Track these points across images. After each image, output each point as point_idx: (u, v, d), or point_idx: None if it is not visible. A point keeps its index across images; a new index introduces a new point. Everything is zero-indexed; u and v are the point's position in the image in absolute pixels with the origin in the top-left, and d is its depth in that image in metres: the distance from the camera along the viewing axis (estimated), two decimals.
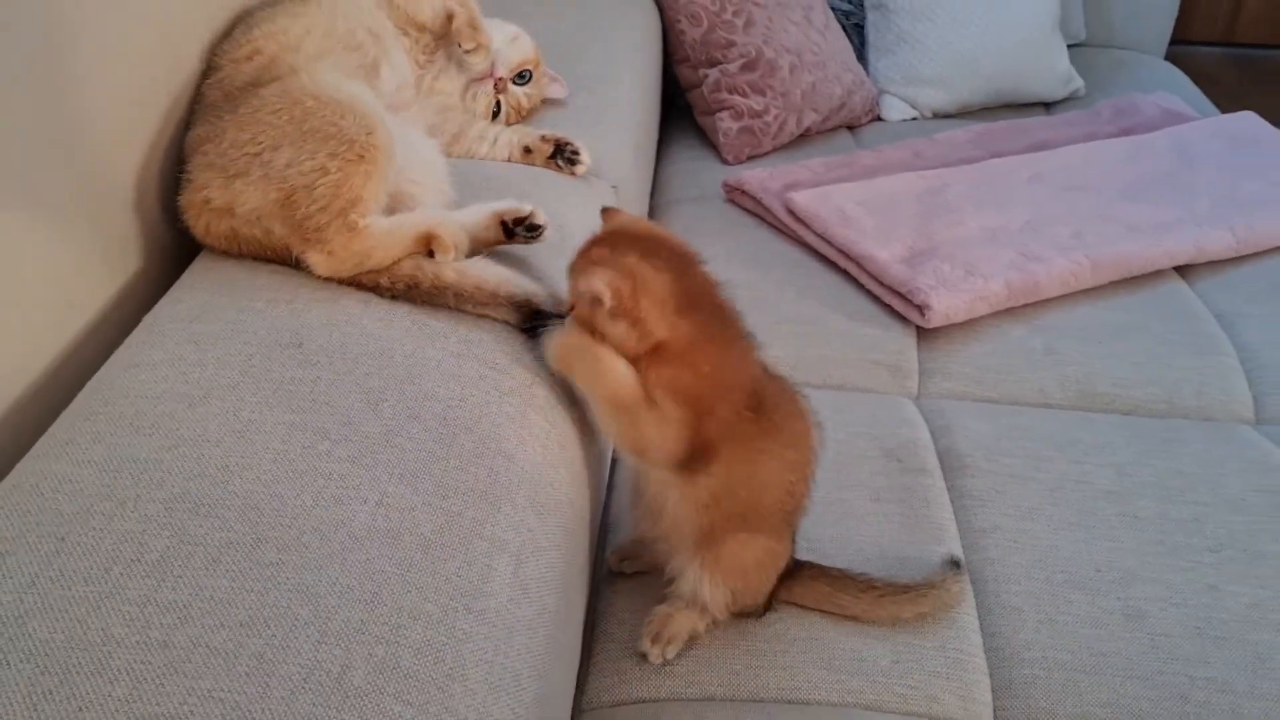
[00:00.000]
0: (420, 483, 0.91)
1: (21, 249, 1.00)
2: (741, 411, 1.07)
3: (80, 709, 0.69)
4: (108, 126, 1.12)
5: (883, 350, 1.76)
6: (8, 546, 0.80)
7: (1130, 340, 1.77)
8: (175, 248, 1.25)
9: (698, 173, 2.33)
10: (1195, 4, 4.08)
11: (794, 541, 1.21)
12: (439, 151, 1.34)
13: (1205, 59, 4.13)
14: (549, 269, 1.25)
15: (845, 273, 1.91)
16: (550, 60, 1.67)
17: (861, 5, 2.73)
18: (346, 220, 1.11)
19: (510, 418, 1.03)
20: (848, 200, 2.01)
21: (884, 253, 1.86)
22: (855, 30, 2.73)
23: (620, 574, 1.33)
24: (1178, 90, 2.76)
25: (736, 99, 2.35)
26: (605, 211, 1.11)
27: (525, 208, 1.23)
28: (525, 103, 1.59)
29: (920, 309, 1.75)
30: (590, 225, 1.39)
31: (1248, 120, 2.41)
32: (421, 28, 1.46)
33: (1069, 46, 2.88)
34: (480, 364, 1.06)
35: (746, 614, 1.23)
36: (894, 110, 2.65)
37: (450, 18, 1.45)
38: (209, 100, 1.22)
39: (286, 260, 1.16)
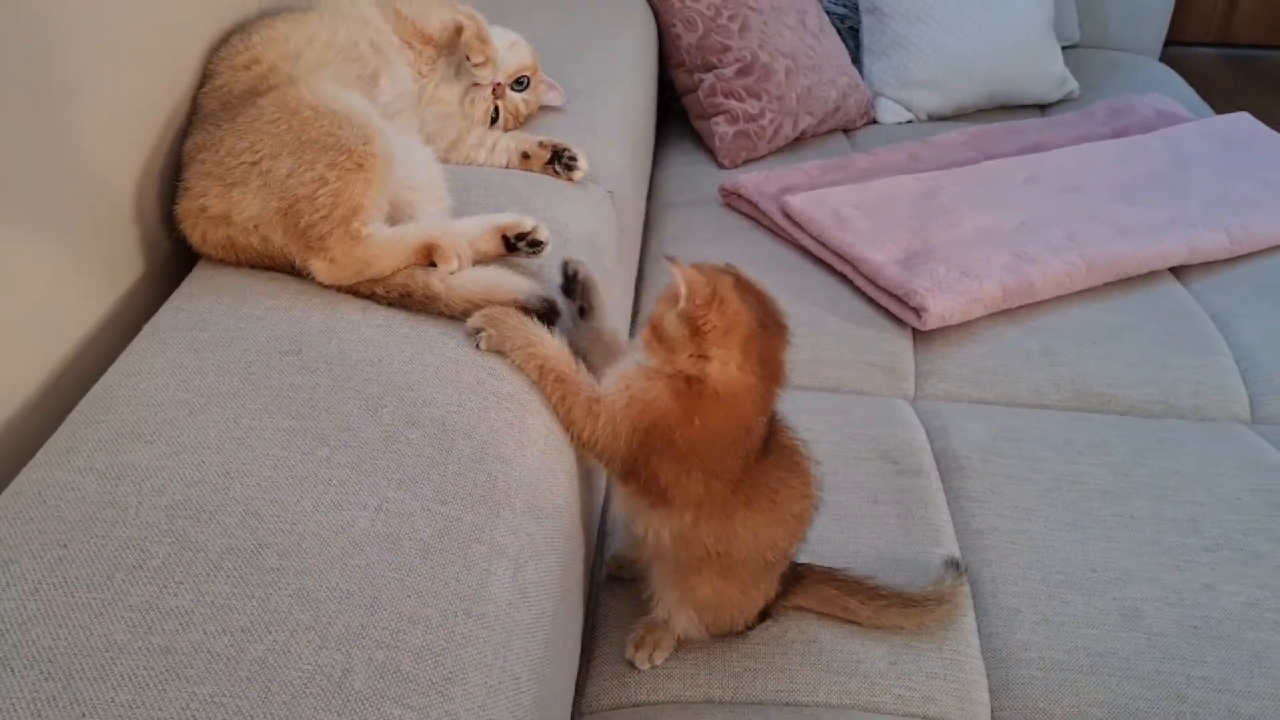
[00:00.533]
0: (419, 488, 0.91)
1: (22, 258, 1.00)
2: (713, 484, 1.06)
3: (84, 715, 0.69)
4: (106, 135, 1.13)
5: (878, 352, 1.76)
6: (11, 554, 0.80)
7: (1126, 341, 1.78)
8: (175, 256, 1.25)
9: (694, 177, 2.34)
10: (1190, 5, 4.09)
11: (776, 582, 1.21)
12: (436, 159, 1.35)
13: (1200, 59, 4.14)
14: (538, 265, 1.26)
15: (841, 275, 1.92)
16: (547, 66, 1.68)
17: (856, 9, 2.74)
18: (349, 229, 1.11)
19: (508, 423, 1.03)
20: (843, 203, 2.02)
21: (879, 255, 1.86)
22: (850, 34, 2.74)
23: (618, 579, 1.33)
24: (1172, 91, 2.78)
25: (732, 103, 2.36)
26: (672, 260, 1.08)
27: (528, 223, 1.23)
28: (523, 109, 1.60)
29: (916, 311, 1.75)
30: (587, 230, 1.41)
31: (1242, 121, 2.42)
32: (428, 40, 1.47)
33: (1063, 48, 2.89)
34: (478, 370, 1.07)
35: (725, 635, 1.24)
36: (889, 113, 2.66)
37: (458, 31, 1.47)
38: (206, 109, 1.22)
39: (282, 268, 1.17)
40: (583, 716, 1.21)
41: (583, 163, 1.51)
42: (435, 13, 1.47)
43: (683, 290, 1.00)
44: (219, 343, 1.04)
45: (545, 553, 0.96)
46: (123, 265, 1.18)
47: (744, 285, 1.06)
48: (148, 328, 1.09)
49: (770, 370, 1.06)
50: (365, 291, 1.15)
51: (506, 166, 1.51)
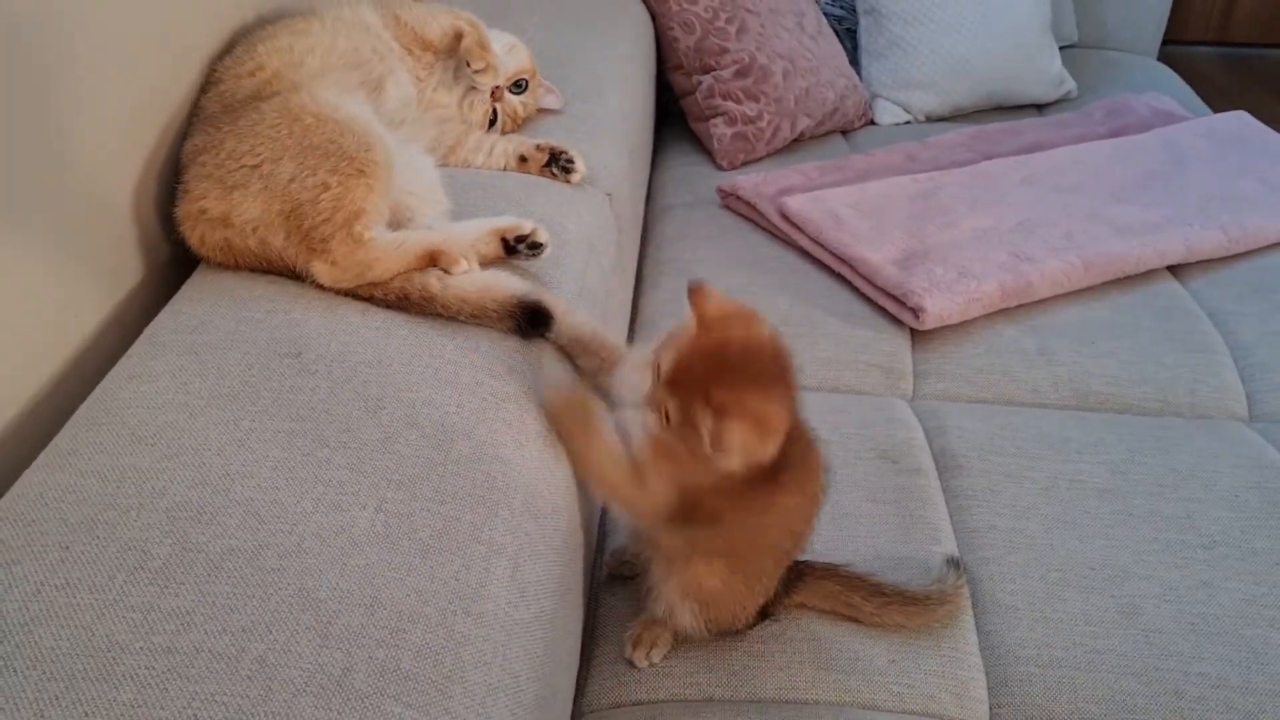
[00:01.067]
0: (418, 488, 0.92)
1: (22, 262, 1.01)
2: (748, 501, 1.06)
3: (86, 714, 0.70)
4: (106, 140, 1.14)
5: (877, 352, 1.77)
6: (14, 556, 0.81)
7: (1123, 339, 1.79)
8: (174, 260, 1.26)
9: (692, 178, 2.35)
10: (1188, 4, 4.10)
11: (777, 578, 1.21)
12: (434, 164, 1.36)
13: (1198, 59, 4.14)
14: (538, 267, 1.27)
15: (839, 276, 1.93)
16: (544, 69, 1.68)
17: (854, 10, 2.75)
18: (351, 232, 1.13)
19: (507, 423, 1.04)
20: (841, 204, 2.02)
21: (877, 255, 1.87)
22: (848, 35, 2.75)
23: (618, 577, 1.34)
24: (1170, 91, 2.78)
25: (730, 105, 2.37)
26: (695, 292, 1.04)
27: (526, 225, 1.24)
28: (521, 111, 1.61)
29: (914, 311, 1.76)
30: (585, 232, 1.42)
31: (1239, 119, 2.43)
32: (428, 47, 1.48)
33: (1061, 48, 2.90)
34: (477, 370, 1.08)
35: (724, 634, 1.23)
36: (887, 114, 2.67)
37: (459, 37, 1.47)
38: (208, 112, 1.23)
39: (280, 271, 1.18)
40: (583, 715, 1.22)
41: (580, 165, 1.52)
42: (435, 19, 1.48)
43: (735, 455, 0.96)
44: (219, 346, 1.05)
45: (544, 552, 0.97)
46: (122, 269, 1.19)
47: (765, 378, 1.00)
48: (148, 331, 1.09)
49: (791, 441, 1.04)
50: (364, 294, 1.15)
51: (504, 169, 1.51)
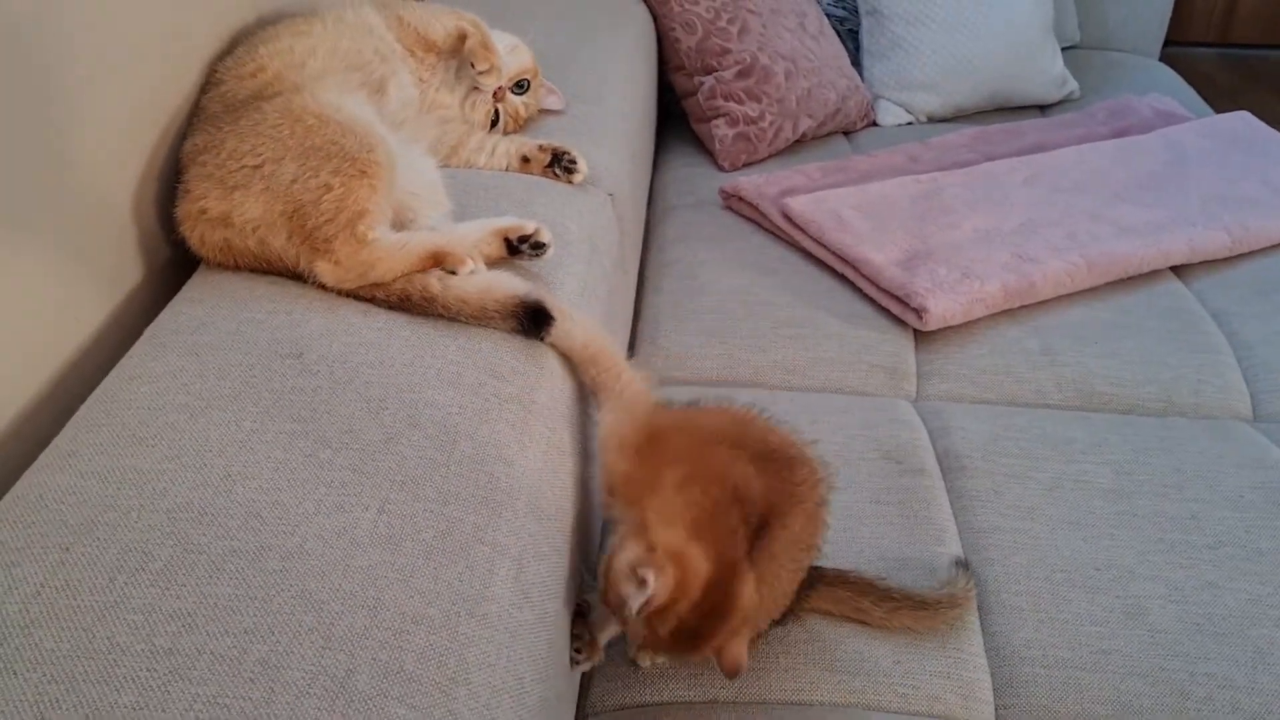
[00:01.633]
0: (421, 489, 0.91)
1: (22, 262, 1.01)
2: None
3: (87, 717, 0.69)
4: (106, 141, 1.13)
5: (880, 353, 1.76)
6: (14, 557, 0.81)
7: (1127, 340, 1.78)
8: (174, 261, 1.26)
9: (694, 180, 2.34)
10: (1190, 5, 4.09)
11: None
12: (436, 165, 1.35)
13: (1200, 59, 4.14)
14: (540, 267, 1.26)
15: (841, 277, 1.92)
16: (546, 70, 1.68)
17: (856, 11, 2.75)
18: (354, 232, 1.12)
19: (510, 424, 1.03)
20: (843, 204, 2.02)
21: (880, 256, 1.86)
22: (850, 36, 2.75)
23: None
24: (1172, 91, 2.78)
25: (732, 106, 2.36)
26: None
27: (529, 225, 1.23)
28: (523, 111, 1.60)
29: (917, 312, 1.75)
30: (587, 232, 1.41)
31: (1242, 120, 2.42)
32: (431, 48, 1.47)
33: (1063, 49, 2.89)
34: (480, 371, 1.07)
35: None
36: (889, 115, 2.66)
37: (462, 38, 1.47)
38: (209, 111, 1.23)
39: (279, 271, 1.17)
40: (587, 717, 1.21)
41: (583, 166, 1.52)
42: (438, 20, 1.48)
43: (652, 599, 0.95)
44: (220, 346, 1.04)
45: (548, 553, 0.97)
46: (123, 270, 1.19)
47: (694, 504, 1.00)
48: (148, 332, 1.09)
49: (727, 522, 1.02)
50: (365, 295, 1.15)
51: (506, 170, 1.51)
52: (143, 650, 0.74)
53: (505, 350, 1.12)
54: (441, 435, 0.98)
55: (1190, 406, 1.69)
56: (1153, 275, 1.96)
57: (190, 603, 0.78)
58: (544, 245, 1.24)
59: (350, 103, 1.23)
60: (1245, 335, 1.82)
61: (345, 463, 0.92)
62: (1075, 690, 1.21)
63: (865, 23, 2.71)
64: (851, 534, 1.38)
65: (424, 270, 1.15)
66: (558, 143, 1.52)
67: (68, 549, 0.81)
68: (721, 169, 2.38)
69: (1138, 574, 1.33)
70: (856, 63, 2.70)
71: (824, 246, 1.94)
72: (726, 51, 2.37)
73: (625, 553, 0.97)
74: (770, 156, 2.43)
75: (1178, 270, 1.99)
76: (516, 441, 1.02)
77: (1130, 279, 1.93)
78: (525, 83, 1.60)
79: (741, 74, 2.37)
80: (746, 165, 2.40)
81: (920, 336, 1.80)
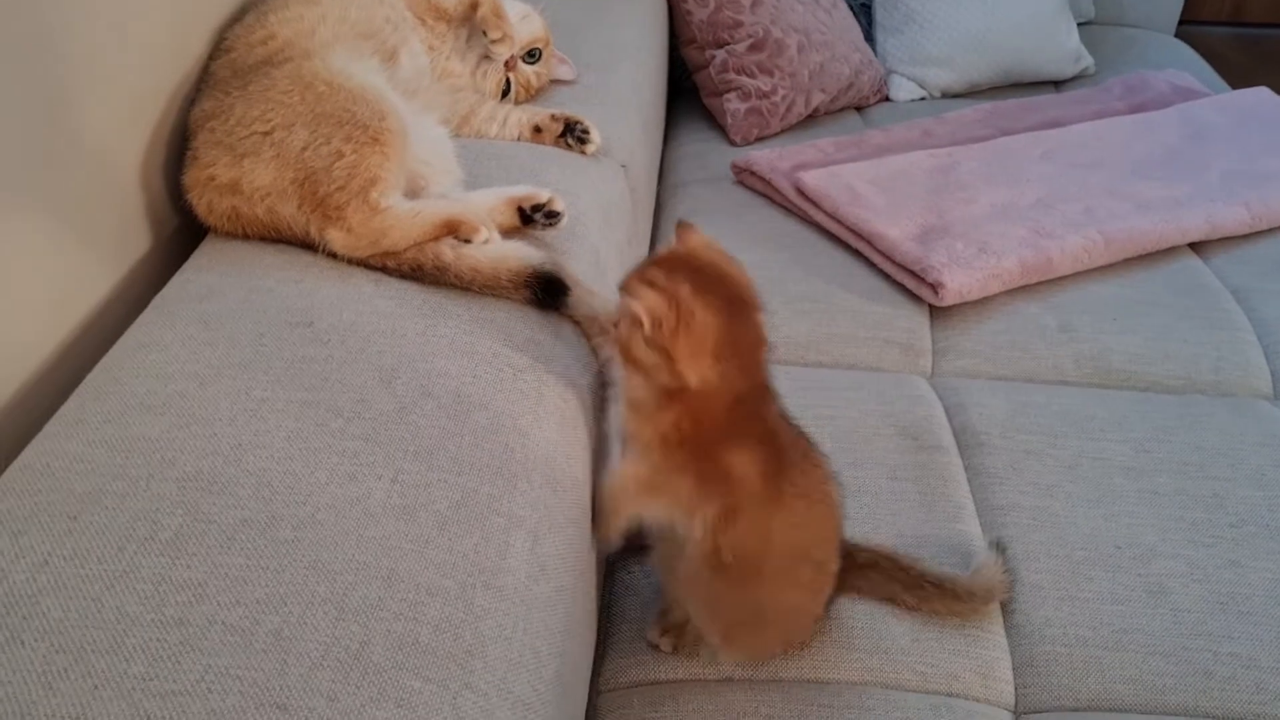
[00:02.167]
0: (435, 459, 0.90)
1: (28, 230, 0.99)
2: (750, 474, 1.02)
3: (96, 687, 0.68)
4: (113, 109, 1.11)
5: (895, 328, 1.74)
6: (21, 526, 0.79)
7: (1145, 317, 1.76)
8: (183, 230, 1.24)
9: (706, 154, 2.31)
10: None
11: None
12: (447, 135, 1.33)
13: (1214, 38, 4.10)
14: (552, 237, 1.25)
15: (856, 252, 1.89)
16: (557, 41, 1.65)
17: None
18: (367, 199, 1.10)
19: (524, 394, 1.01)
20: (858, 179, 1.99)
21: (895, 230, 1.84)
22: (863, 10, 2.71)
23: (633, 550, 1.30)
24: (1188, 68, 2.74)
25: (744, 80, 2.33)
26: (681, 226, 1.03)
27: (543, 194, 1.21)
28: (534, 81, 1.58)
29: (933, 287, 1.73)
30: (600, 202, 1.39)
31: (1260, 96, 2.39)
32: (442, 15, 1.45)
33: (1078, 24, 2.85)
34: (493, 340, 1.05)
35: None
36: (902, 90, 2.63)
37: (474, 6, 1.45)
38: (218, 76, 1.21)
39: (287, 239, 1.16)
40: (600, 694, 1.20)
41: (595, 136, 1.49)
42: None
43: (645, 321, 0.94)
44: (229, 315, 1.03)
45: (564, 525, 0.95)
46: (130, 238, 1.17)
47: (703, 277, 0.98)
48: (157, 300, 1.07)
49: (750, 357, 1.01)
50: (376, 264, 1.13)
51: (518, 140, 1.49)
52: (152, 620, 0.72)
53: (519, 320, 1.10)
54: (455, 405, 0.96)
55: (1210, 384, 1.67)
56: (1171, 252, 1.93)
57: (201, 573, 0.76)
58: (558, 214, 1.22)
59: (361, 70, 1.21)
60: (1265, 313, 1.79)
61: (357, 432, 0.90)
62: (1096, 669, 1.19)
63: None
64: (868, 511, 1.36)
65: (437, 239, 1.13)
66: (570, 112, 1.50)
67: (75, 518, 0.79)
68: (733, 144, 2.35)
69: (1159, 552, 1.31)
70: (870, 37, 2.67)
71: (838, 221, 1.92)
72: (739, 24, 2.34)
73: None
74: (782, 131, 2.40)
75: (1196, 247, 1.96)
76: (531, 412, 1.00)
77: (1148, 255, 1.90)
78: (537, 52, 1.57)
79: (754, 47, 2.34)
80: (758, 140, 2.36)
81: (936, 312, 1.78)
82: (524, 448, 0.95)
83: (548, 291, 1.13)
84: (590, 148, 1.49)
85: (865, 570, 1.22)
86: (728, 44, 2.35)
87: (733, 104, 2.34)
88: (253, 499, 0.82)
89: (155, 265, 1.20)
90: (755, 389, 1.02)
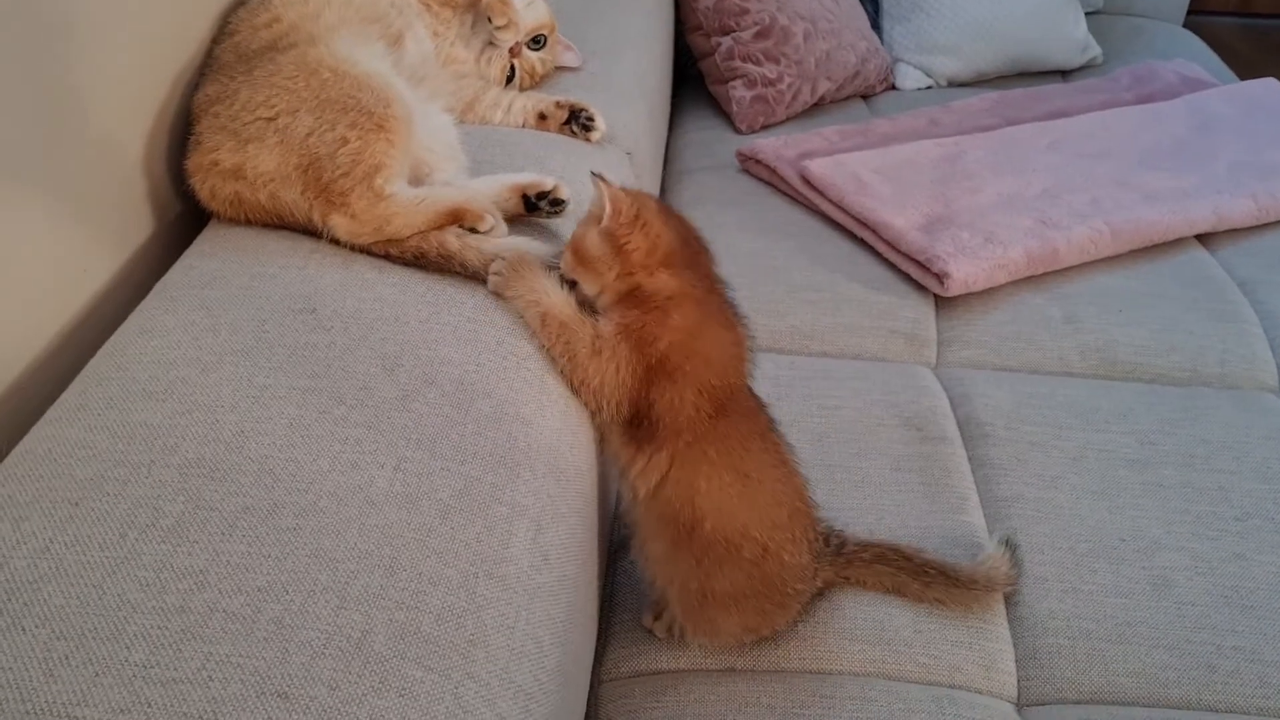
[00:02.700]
0: (437, 447, 0.89)
1: (30, 215, 0.98)
2: (703, 404, 1.03)
3: (97, 674, 0.67)
4: (116, 93, 1.11)
5: (899, 318, 1.73)
6: (22, 512, 0.79)
7: (1151, 308, 1.75)
8: (185, 215, 1.23)
9: (711, 143, 2.30)
10: None
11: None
12: (451, 121, 1.32)
13: (1222, 29, 4.08)
14: (563, 230, 1.23)
15: (861, 241, 1.89)
16: (563, 28, 1.64)
17: None
18: (371, 186, 1.10)
19: (528, 383, 1.01)
20: (864, 167, 1.98)
21: (901, 220, 1.83)
22: None
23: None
24: (1196, 58, 2.72)
25: (750, 67, 2.32)
26: (599, 176, 1.07)
27: (548, 181, 1.21)
28: (539, 68, 1.57)
29: (939, 277, 1.72)
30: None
31: (1268, 86, 2.37)
32: (446, 2, 1.44)
33: (1086, 14, 2.84)
34: (497, 329, 1.05)
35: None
36: (909, 79, 2.62)
37: None
38: (221, 60, 1.20)
39: (290, 225, 1.15)
40: (602, 683, 1.19)
41: (600, 123, 1.49)
42: None
43: (608, 208, 1.00)
44: (231, 301, 1.02)
45: (566, 514, 0.94)
46: (133, 224, 1.16)
47: (667, 210, 1.08)
48: (159, 286, 1.07)
49: (702, 278, 1.06)
50: (380, 251, 1.12)
51: (523, 127, 1.48)
52: (153, 607, 0.72)
53: None
54: (458, 393, 0.95)
55: (1215, 377, 1.66)
56: (1178, 243, 1.92)
57: (202, 560, 0.76)
58: (563, 202, 1.21)
59: (366, 56, 1.20)
60: (1272, 305, 1.79)
61: (360, 419, 0.90)
62: (1100, 662, 1.19)
63: None
64: (872, 501, 1.36)
65: (441, 228, 1.12)
66: (575, 99, 1.49)
67: (77, 504, 0.79)
68: (738, 131, 2.34)
69: (1164, 545, 1.31)
70: (876, 25, 2.65)
71: (843, 210, 1.91)
72: (745, 11, 2.33)
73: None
74: (788, 119, 2.39)
75: (1203, 238, 1.95)
76: (535, 401, 1.00)
77: (1155, 247, 1.90)
78: (542, 38, 1.56)
79: (760, 35, 2.33)
80: (764, 128, 2.35)
81: (941, 302, 1.77)
82: (527, 436, 0.95)
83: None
84: (595, 135, 1.48)
85: (872, 565, 1.22)
86: (733, 31, 2.34)
87: (738, 91, 2.33)
88: (254, 486, 0.82)
89: (158, 251, 1.20)
90: (706, 326, 1.05)
